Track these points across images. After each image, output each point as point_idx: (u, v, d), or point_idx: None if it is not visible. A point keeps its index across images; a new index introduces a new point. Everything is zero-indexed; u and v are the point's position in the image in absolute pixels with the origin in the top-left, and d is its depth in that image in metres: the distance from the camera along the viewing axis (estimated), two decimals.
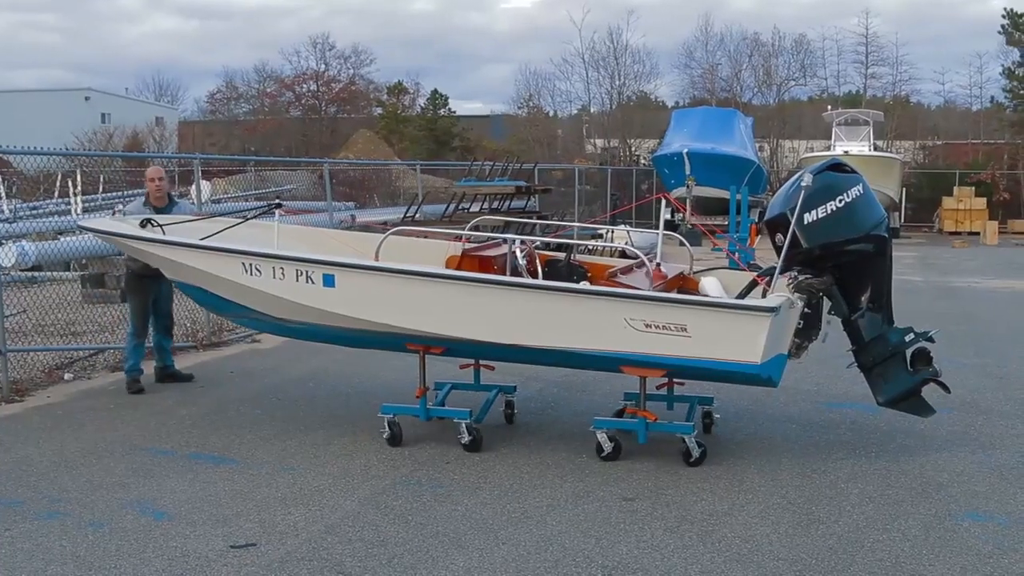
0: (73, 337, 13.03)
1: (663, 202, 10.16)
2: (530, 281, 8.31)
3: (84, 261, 17.93)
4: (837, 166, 8.22)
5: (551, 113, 64.45)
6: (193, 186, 15.86)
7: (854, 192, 7.93)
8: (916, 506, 7.10)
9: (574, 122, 63.04)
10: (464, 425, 8.34)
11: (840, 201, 7.85)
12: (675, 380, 8.74)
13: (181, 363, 11.57)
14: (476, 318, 7.97)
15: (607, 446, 8.08)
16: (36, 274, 16.52)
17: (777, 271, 7.95)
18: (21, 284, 13.92)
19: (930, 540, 6.45)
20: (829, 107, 46.19)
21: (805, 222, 7.78)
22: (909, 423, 9.28)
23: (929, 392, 8.39)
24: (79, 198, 23.62)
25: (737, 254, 20.30)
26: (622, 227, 24.14)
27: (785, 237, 7.79)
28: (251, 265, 8.34)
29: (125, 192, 27.20)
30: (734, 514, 6.92)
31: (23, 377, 10.97)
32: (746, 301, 7.84)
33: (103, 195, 26.07)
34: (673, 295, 8.05)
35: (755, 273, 8.81)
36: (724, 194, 27.03)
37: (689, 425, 8.14)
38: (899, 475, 7.81)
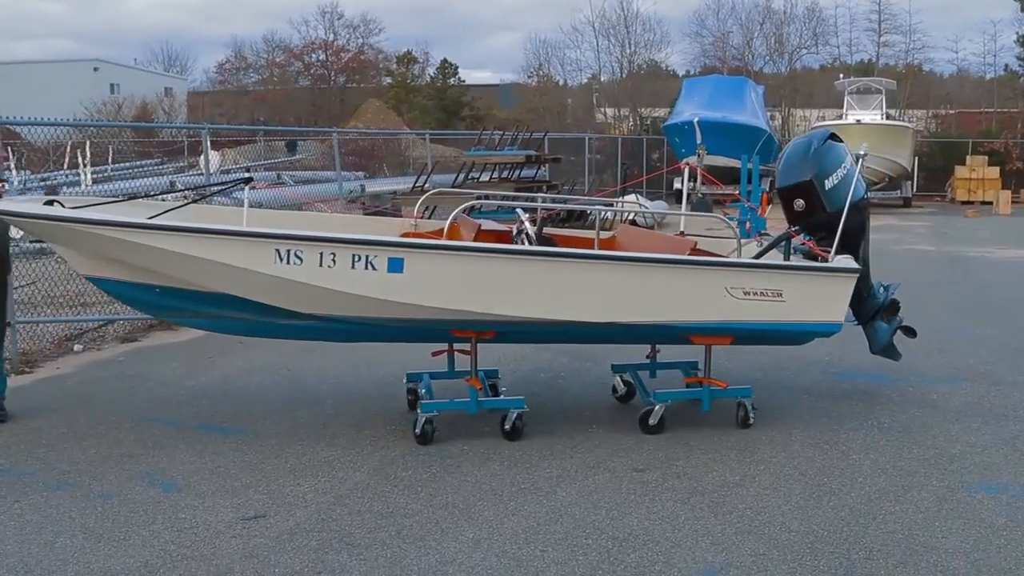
0: (82, 308, 13.01)
1: (686, 171, 10.03)
2: (642, 255, 7.90)
3: None
4: (833, 136, 8.52)
5: (561, 82, 64.20)
6: (202, 156, 15.81)
7: (849, 161, 8.34)
8: (929, 477, 7.06)
9: (584, 91, 62.75)
10: (517, 414, 7.93)
11: (844, 169, 8.24)
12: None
13: (190, 334, 11.54)
14: (574, 298, 7.53)
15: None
16: (45, 245, 16.49)
17: (838, 236, 8.01)
18: (30, 255, 13.86)
19: (943, 512, 6.41)
20: (841, 75, 45.82)
21: (827, 187, 8.09)
22: (922, 394, 9.25)
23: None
24: (88, 169, 23.57)
25: (749, 223, 20.21)
26: (632, 196, 24.06)
27: (807, 202, 8.08)
28: (289, 252, 7.15)
29: (135, 162, 27.23)
30: (745, 485, 6.89)
31: (33, 348, 10.98)
32: (834, 264, 7.97)
33: (112, 166, 26.04)
34: (774, 262, 8.07)
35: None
36: (735, 163, 26.90)
37: (748, 388, 8.36)
38: (912, 446, 7.76)
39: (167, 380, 9.83)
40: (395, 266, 7.24)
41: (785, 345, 8.77)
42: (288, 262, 7.17)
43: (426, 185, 20.00)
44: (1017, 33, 51.01)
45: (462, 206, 8.40)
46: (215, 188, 9.23)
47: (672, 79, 58.03)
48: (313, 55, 65.59)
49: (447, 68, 65.16)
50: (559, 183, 24.94)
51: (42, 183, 21.39)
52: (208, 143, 14.93)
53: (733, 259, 8.09)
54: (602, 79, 60.57)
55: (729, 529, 6.12)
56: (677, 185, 35.39)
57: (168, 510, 6.40)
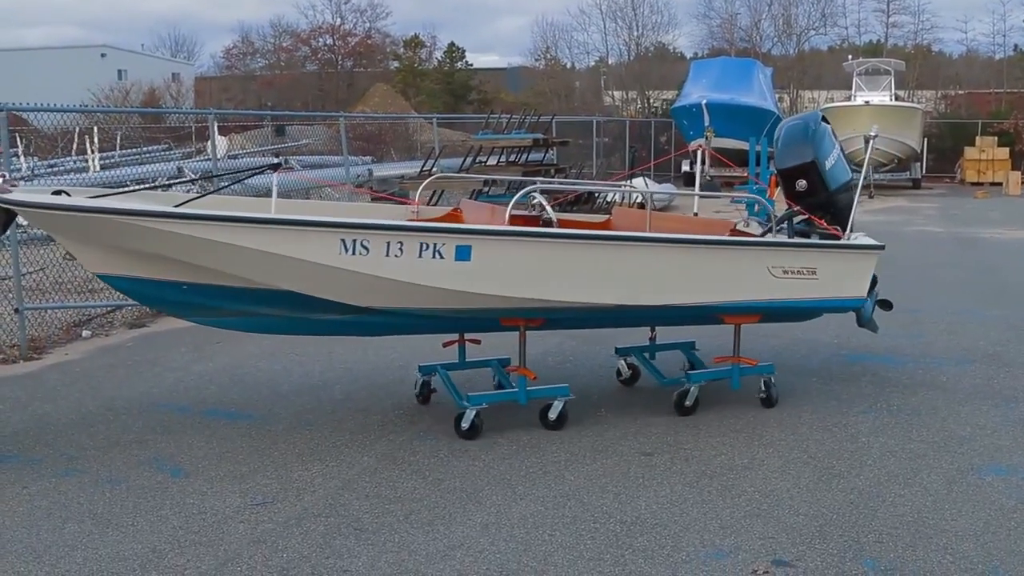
0: (91, 294, 13.01)
1: (700, 153, 10.07)
2: (702, 237, 7.99)
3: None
4: (824, 119, 8.74)
5: (568, 65, 64.12)
6: (209, 142, 15.79)
7: (838, 143, 8.64)
8: (938, 460, 7.03)
9: (592, 74, 62.66)
10: (564, 403, 7.79)
11: (836, 149, 8.52)
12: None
13: (182, 323, 11.53)
14: (637, 282, 7.51)
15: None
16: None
17: (853, 214, 8.35)
18: (39, 241, 13.87)
19: (952, 494, 6.39)
20: (850, 57, 45.66)
21: (827, 167, 8.29)
22: (931, 377, 9.23)
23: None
24: (96, 155, 23.59)
25: (757, 205, 20.14)
26: (640, 179, 23.97)
27: (808, 183, 8.23)
28: (355, 241, 6.78)
29: (143, 147, 27.21)
30: (754, 468, 6.87)
31: (41, 335, 11.00)
32: (861, 241, 8.28)
33: (120, 152, 26.03)
34: (812, 241, 8.28)
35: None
36: (743, 145, 26.83)
37: (771, 365, 8.47)
38: (921, 429, 7.74)
39: (175, 366, 9.83)
40: (463, 254, 6.97)
41: (806, 320, 8.93)
42: (354, 252, 6.80)
43: (433, 169, 19.99)
44: None
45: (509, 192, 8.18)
46: (245, 174, 8.88)
47: (680, 61, 57.95)
48: (320, 40, 65.61)
49: (454, 52, 65.14)
50: (567, 166, 24.87)
51: (50, 169, 21.40)
52: (215, 128, 14.92)
53: (775, 239, 8.23)
54: (610, 62, 60.54)
55: (738, 512, 6.11)
56: (685, 168, 35.40)
57: (176, 495, 6.41)
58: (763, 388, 8.39)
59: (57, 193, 7.21)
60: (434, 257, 6.91)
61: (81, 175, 20.56)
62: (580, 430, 7.66)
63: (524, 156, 21.88)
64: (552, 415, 7.74)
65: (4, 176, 6.71)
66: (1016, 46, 55.47)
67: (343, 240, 6.76)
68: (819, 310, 8.40)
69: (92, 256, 6.96)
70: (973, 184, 39.26)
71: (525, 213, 8.59)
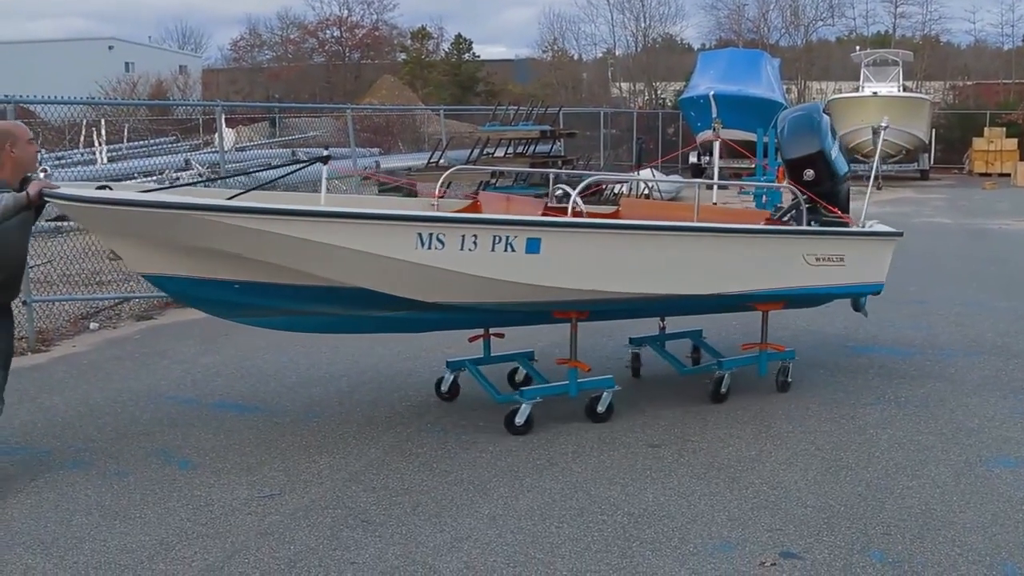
0: (98, 287, 13.04)
1: (715, 145, 10.13)
2: (755, 227, 8.31)
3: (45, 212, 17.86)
4: (825, 110, 9.06)
5: (576, 56, 64.05)
6: (216, 134, 15.79)
7: (837, 135, 8.93)
8: (946, 452, 7.02)
9: (599, 65, 62.57)
10: (609, 393, 7.79)
11: (836, 140, 8.82)
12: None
13: (189, 315, 11.55)
14: (693, 271, 7.60)
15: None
16: (61, 224, 16.51)
17: (866, 202, 8.71)
18: (46, 234, 13.90)
19: (961, 486, 6.37)
20: (857, 48, 45.55)
21: (833, 157, 8.61)
22: (939, 368, 9.21)
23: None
24: (104, 148, 23.60)
25: (765, 196, 20.13)
26: (647, 170, 23.95)
27: (817, 173, 8.50)
28: (432, 235, 6.59)
29: (150, 140, 27.22)
30: (762, 460, 6.86)
31: (49, 327, 11.02)
32: (883, 229, 8.72)
33: (127, 144, 26.05)
34: (842, 229, 8.56)
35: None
36: (751, 136, 26.80)
37: (793, 351, 8.69)
38: (929, 420, 7.72)
39: (183, 358, 9.84)
40: (533, 246, 6.85)
41: (819, 305, 9.21)
42: (430, 247, 6.62)
43: (441, 161, 19.97)
44: None
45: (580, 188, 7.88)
46: (292, 168, 8.81)
47: (687, 53, 57.89)
48: (327, 32, 65.54)
49: (461, 43, 65.01)
50: (574, 158, 24.86)
51: (57, 162, 21.41)
52: (223, 121, 14.91)
53: (810, 228, 8.41)
54: (617, 53, 60.48)
55: (745, 504, 6.10)
56: (693, 159, 35.35)
57: (183, 487, 6.41)
58: (782, 373, 8.58)
59: (102, 188, 6.88)
60: (506, 250, 6.79)
61: (88, 168, 20.58)
62: (587, 422, 7.65)
63: (531, 148, 21.88)
64: (601, 407, 7.73)
65: (46, 171, 6.59)
66: None
67: (420, 234, 6.59)
68: (844, 295, 8.73)
69: (140, 255, 6.63)
70: (981, 175, 39.20)
71: (556, 205, 8.59)
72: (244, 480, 6.53)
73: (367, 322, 7.38)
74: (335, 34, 65.37)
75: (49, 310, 11.47)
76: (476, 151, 20.55)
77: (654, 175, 23.56)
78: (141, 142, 26.86)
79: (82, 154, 24.15)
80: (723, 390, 8.27)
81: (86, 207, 6.32)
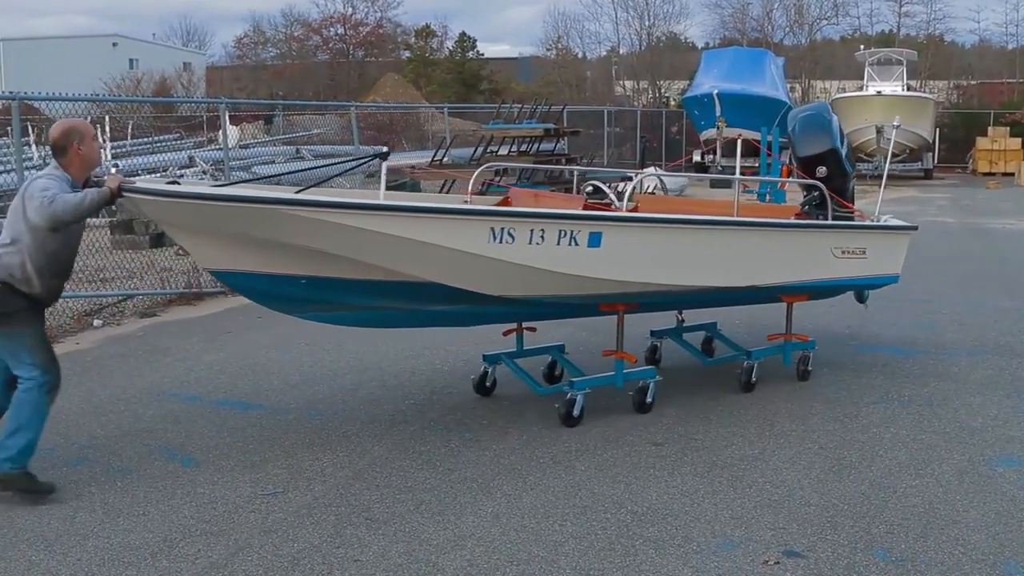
0: (102, 284, 13.05)
1: (739, 143, 10.25)
2: (798, 222, 8.68)
3: (113, 208, 17.88)
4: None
5: (580, 55, 64.04)
6: (220, 132, 15.80)
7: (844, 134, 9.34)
8: (950, 451, 7.02)
9: (603, 64, 62.58)
10: (653, 384, 7.96)
11: (846, 139, 9.29)
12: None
13: (209, 308, 11.56)
14: (737, 264, 7.90)
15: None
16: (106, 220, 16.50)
17: (880, 196, 9.62)
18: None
19: (964, 486, 6.37)
20: (862, 47, 45.53)
21: (844, 154, 9.08)
22: (943, 367, 9.22)
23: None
24: (108, 145, 23.61)
25: (768, 195, 20.09)
26: (651, 169, 23.94)
27: (830, 170, 8.91)
28: (503, 229, 6.70)
29: (154, 137, 27.23)
30: (765, 459, 6.86)
31: (52, 324, 10.97)
32: (899, 223, 9.40)
33: (132, 141, 26.06)
34: (867, 223, 9.11)
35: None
36: (755, 135, 26.80)
37: (814, 341, 9.03)
38: (932, 419, 7.72)
39: (186, 355, 9.85)
40: (594, 240, 7.01)
41: (837, 296, 9.66)
42: (501, 241, 6.73)
43: (445, 159, 19.95)
44: None
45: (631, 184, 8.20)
46: (352, 164, 8.79)
47: (691, 51, 57.89)
48: (331, 29, 65.52)
49: (465, 41, 65.03)
50: (578, 156, 24.84)
51: None
52: (227, 118, 14.93)
53: (838, 222, 8.77)
54: (621, 52, 60.44)
55: (748, 503, 6.10)
56: (696, 158, 35.32)
57: (187, 485, 6.41)
58: (803, 363, 8.88)
59: (172, 183, 6.90)
60: (570, 244, 6.92)
61: None
62: (590, 420, 7.65)
63: (535, 146, 21.86)
64: (650, 398, 7.90)
65: (117, 166, 6.54)
66: None
67: (492, 228, 6.70)
68: (865, 287, 9.31)
69: (211, 251, 6.63)
70: (985, 174, 39.18)
71: (597, 201, 8.70)
72: (248, 477, 6.53)
73: (425, 316, 7.50)
74: (339, 32, 65.37)
75: (53, 307, 11.43)
76: (480, 149, 20.53)
77: (657, 172, 23.51)
78: (145, 139, 26.86)
79: None
80: (753, 379, 8.51)
81: (163, 201, 6.29)
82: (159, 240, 16.29)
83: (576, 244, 6.93)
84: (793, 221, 8.68)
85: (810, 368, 8.87)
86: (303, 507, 6.05)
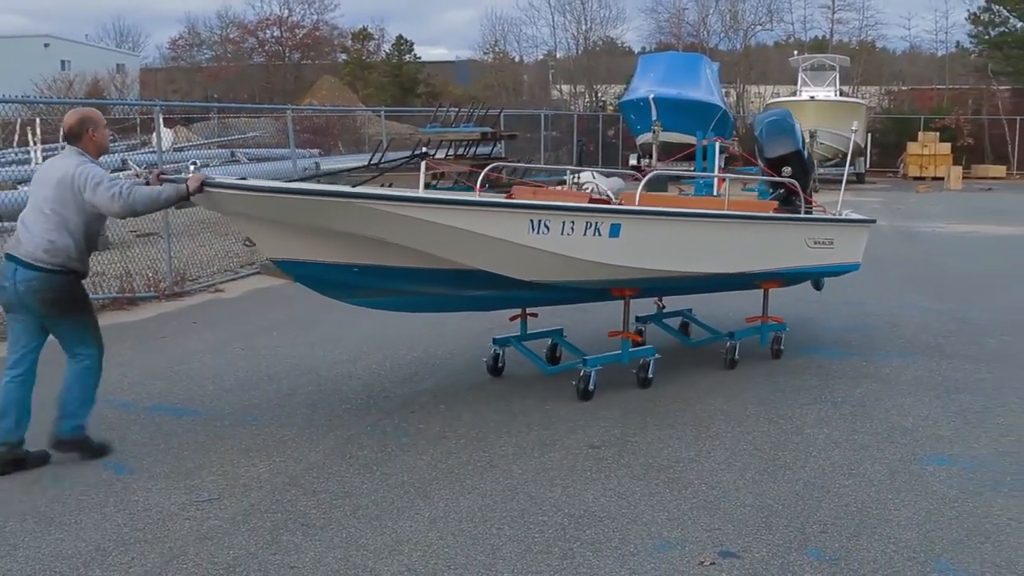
0: None
1: (716, 146, 11.04)
2: (782, 216, 9.55)
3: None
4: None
5: (517, 59, 64.17)
6: (154, 134, 15.62)
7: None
8: (882, 451, 7.12)
9: (540, 67, 62.74)
10: (653, 361, 8.72)
11: (806, 142, 10.49)
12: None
13: (143, 313, 11.41)
14: (730, 253, 8.81)
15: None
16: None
17: (842, 192, 10.75)
18: None
19: (896, 484, 6.47)
20: (795, 52, 46.11)
21: (806, 155, 10.28)
22: (875, 369, 9.34)
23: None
24: (39, 147, 23.24)
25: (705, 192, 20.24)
26: (587, 171, 24.01)
27: (794, 169, 9.96)
28: (540, 221, 7.44)
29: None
30: (700, 461, 6.91)
31: None
32: (860, 216, 10.53)
33: (63, 144, 25.65)
34: (835, 216, 10.16)
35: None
36: (691, 139, 27.00)
37: (785, 324, 9.97)
38: (865, 420, 7.83)
39: (119, 361, 9.69)
40: (615, 231, 7.79)
41: (807, 280, 10.52)
42: (539, 232, 7.47)
43: (381, 162, 19.86)
44: (968, 10, 51.58)
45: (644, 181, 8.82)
46: (393, 164, 9.61)
47: (628, 56, 58.14)
48: (267, 31, 65.06)
49: (402, 44, 64.90)
50: (515, 160, 24.88)
51: None
52: (161, 121, 14.77)
53: (814, 215, 9.91)
54: (558, 56, 60.60)
55: (685, 504, 6.14)
56: (632, 162, 35.51)
57: (120, 492, 6.32)
58: (776, 342, 9.83)
59: (242, 179, 7.28)
60: (595, 234, 7.72)
61: (23, 167, 20.24)
62: (528, 424, 7.67)
63: (472, 150, 21.87)
64: (651, 374, 8.68)
65: (196, 163, 6.92)
66: (958, 43, 56.28)
67: (531, 220, 7.44)
68: (831, 273, 10.29)
69: (276, 241, 7.26)
70: (916, 179, 39.84)
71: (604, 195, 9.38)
72: (182, 484, 6.46)
73: (460, 301, 8.32)
74: (275, 34, 64.91)
75: None
76: (417, 152, 20.47)
77: (594, 176, 23.62)
78: None
79: (16, 153, 23.77)
80: (736, 357, 9.38)
81: (247, 195, 6.83)
82: None
83: (599, 234, 7.74)
84: (782, 215, 9.53)
85: (782, 348, 9.78)
86: (239, 514, 5.99)
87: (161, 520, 5.90)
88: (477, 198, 8.02)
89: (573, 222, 7.59)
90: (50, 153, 23.21)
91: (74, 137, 6.83)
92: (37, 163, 21.40)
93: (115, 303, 12.17)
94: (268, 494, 6.29)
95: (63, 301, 6.73)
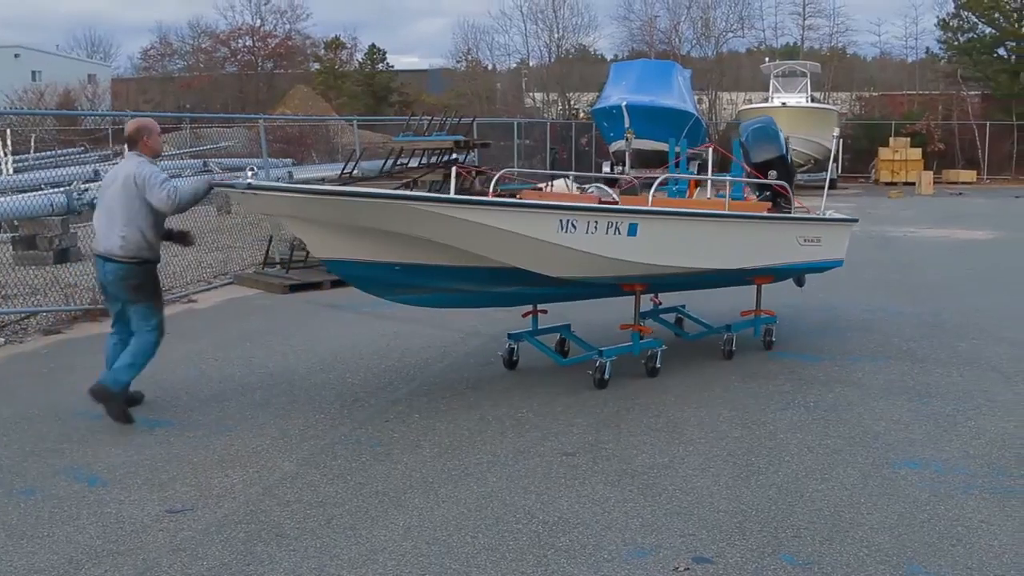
0: (3, 300, 12.76)
1: (709, 151, 11.42)
2: (781, 215, 10.30)
3: (15, 223, 17.49)
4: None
5: (489, 67, 64.24)
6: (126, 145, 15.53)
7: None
8: (854, 455, 7.16)
9: (513, 76, 62.84)
10: (660, 352, 9.28)
11: (789, 148, 11.17)
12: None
13: (99, 329, 11.36)
14: (734, 250, 9.43)
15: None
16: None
17: (825, 193, 11.54)
18: None
19: (868, 488, 6.50)
20: (767, 59, 46.38)
21: (790, 160, 11.02)
22: (847, 373, 9.39)
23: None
24: (10, 158, 23.12)
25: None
26: (561, 180, 24.03)
27: (779, 173, 10.59)
28: (567, 221, 7.98)
29: (58, 150, 26.69)
30: (674, 467, 6.93)
31: None
32: (844, 216, 11.32)
33: (35, 155, 25.54)
34: (824, 216, 10.83)
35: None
36: (663, 147, 27.07)
37: (775, 316, 10.54)
38: (837, 424, 7.87)
39: (92, 372, 9.56)
40: (632, 230, 8.33)
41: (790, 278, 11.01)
42: (567, 230, 7.96)
43: (355, 172, 19.85)
44: (937, 16, 52.16)
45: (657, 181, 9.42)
46: (433, 166, 10.08)
47: (600, 63, 58.38)
48: (239, 41, 64.90)
49: (375, 54, 64.88)
50: (489, 168, 24.88)
51: None
52: None
53: (804, 214, 10.65)
54: (531, 64, 60.73)
55: (659, 511, 6.16)
56: (606, 169, 35.59)
57: (93, 504, 6.29)
58: (768, 334, 10.41)
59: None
60: (615, 233, 8.24)
61: None
62: (502, 431, 7.67)
63: (445, 158, 21.83)
64: (660, 364, 9.25)
65: (253, 170, 7.25)
66: (928, 49, 56.76)
67: (560, 220, 7.94)
68: (817, 269, 10.82)
69: (327, 242, 7.76)
70: (887, 184, 40.12)
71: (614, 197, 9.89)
72: (155, 496, 6.43)
73: (489, 297, 9.01)
74: (247, 43, 64.75)
75: None
76: (390, 162, 20.46)
77: (567, 184, 23.66)
78: (49, 152, 26.34)
79: None
80: (733, 348, 9.95)
81: (299, 198, 7.47)
82: (63, 256, 16.02)
83: (619, 233, 8.25)
84: (779, 215, 10.25)
85: (774, 339, 10.37)
86: (212, 525, 5.97)
87: (134, 532, 5.87)
88: (518, 200, 8.46)
89: (597, 222, 8.11)
90: (21, 164, 23.17)
91: (132, 143, 8.05)
92: (7, 175, 21.30)
93: (88, 315, 12.09)
94: (242, 504, 6.27)
95: (145, 287, 8.02)
